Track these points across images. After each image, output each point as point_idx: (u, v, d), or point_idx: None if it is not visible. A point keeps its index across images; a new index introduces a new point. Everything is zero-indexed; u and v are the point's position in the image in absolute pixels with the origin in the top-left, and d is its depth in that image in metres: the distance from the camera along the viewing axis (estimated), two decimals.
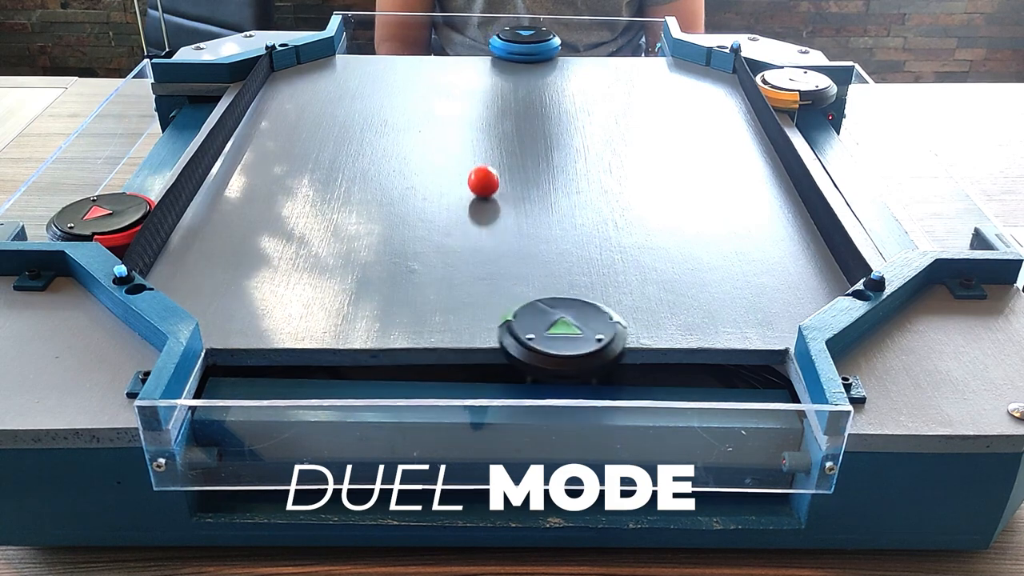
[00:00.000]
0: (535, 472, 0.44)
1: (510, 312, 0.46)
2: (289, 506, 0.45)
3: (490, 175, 0.62)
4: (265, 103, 0.76)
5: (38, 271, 0.50)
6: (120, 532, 0.45)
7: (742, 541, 0.45)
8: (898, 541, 0.46)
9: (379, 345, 0.47)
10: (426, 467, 0.43)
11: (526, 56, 0.86)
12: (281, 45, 0.82)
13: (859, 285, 0.48)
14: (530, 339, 0.44)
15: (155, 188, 0.64)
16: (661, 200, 0.62)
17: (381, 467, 0.43)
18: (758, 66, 0.79)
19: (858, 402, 0.42)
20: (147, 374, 0.42)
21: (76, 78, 1.10)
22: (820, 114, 0.78)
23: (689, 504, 0.45)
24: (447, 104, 0.77)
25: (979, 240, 0.55)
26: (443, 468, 0.43)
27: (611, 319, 0.46)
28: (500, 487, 0.43)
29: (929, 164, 0.89)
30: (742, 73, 0.80)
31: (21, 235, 0.55)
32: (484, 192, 0.62)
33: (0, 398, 0.42)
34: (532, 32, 0.88)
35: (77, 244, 0.51)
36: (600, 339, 0.44)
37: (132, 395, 0.42)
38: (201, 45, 0.83)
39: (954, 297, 0.50)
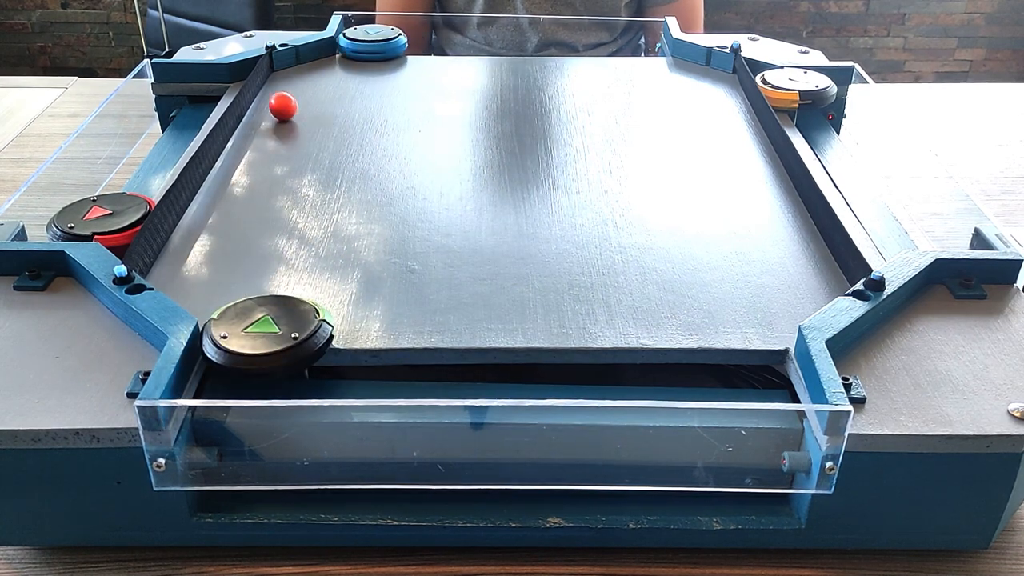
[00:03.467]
0: (535, 472, 0.44)
1: (218, 311, 0.46)
2: (289, 506, 0.45)
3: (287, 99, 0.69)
4: (265, 103, 0.76)
5: (38, 271, 0.50)
6: (120, 532, 0.45)
7: (742, 541, 0.45)
8: (898, 541, 0.46)
9: (379, 345, 0.47)
10: (426, 467, 0.43)
11: (372, 55, 0.86)
12: (281, 45, 0.83)
13: (859, 285, 0.48)
14: (224, 337, 0.44)
15: (155, 188, 0.64)
16: (661, 200, 0.62)
17: (381, 467, 0.43)
18: (758, 66, 0.79)
19: (858, 402, 0.42)
20: (147, 374, 0.42)
21: (76, 78, 1.10)
22: (820, 114, 0.78)
23: (689, 504, 0.46)
24: (447, 104, 0.77)
25: (979, 240, 0.55)
26: (443, 468, 0.43)
27: (315, 316, 0.46)
28: (500, 487, 0.44)
29: (929, 164, 0.89)
30: (742, 73, 0.80)
31: (21, 235, 0.55)
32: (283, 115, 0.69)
33: (0, 398, 0.42)
34: (379, 31, 0.88)
35: (77, 244, 0.51)
36: (296, 336, 0.44)
37: (132, 395, 0.42)
38: (201, 45, 0.83)
39: (954, 297, 0.50)
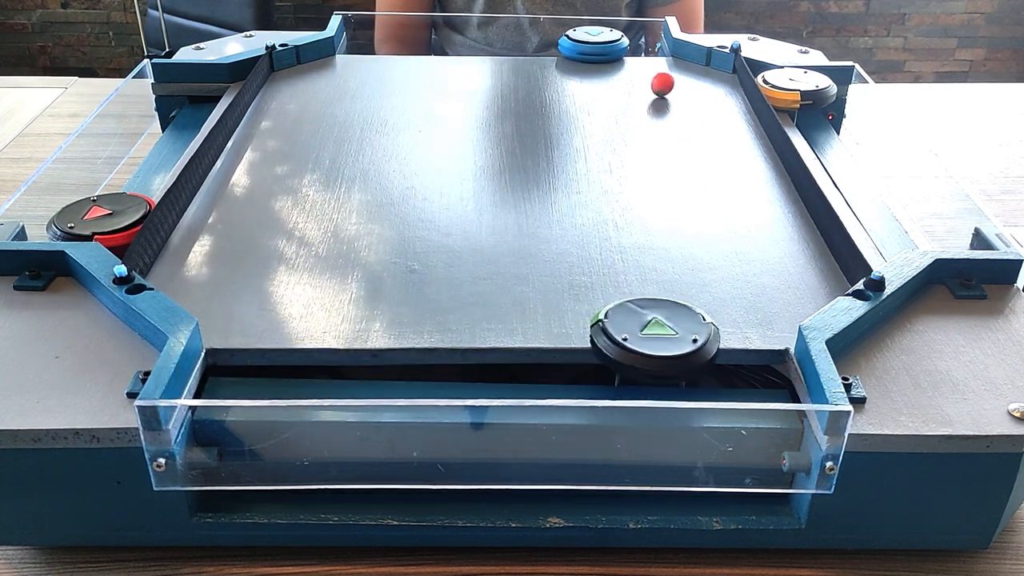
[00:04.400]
0: (535, 472, 0.44)
1: (601, 312, 0.46)
2: (289, 506, 0.45)
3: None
4: (265, 103, 0.76)
5: (38, 271, 0.50)
6: (120, 532, 0.45)
7: (742, 541, 0.45)
8: (898, 541, 0.46)
9: (379, 345, 0.47)
10: (426, 467, 0.43)
11: (595, 56, 0.86)
12: (281, 45, 0.83)
13: (859, 285, 0.48)
14: (625, 339, 0.44)
15: (155, 188, 0.64)
16: (661, 200, 0.62)
17: (381, 467, 0.43)
18: (758, 66, 0.79)
19: (858, 402, 0.42)
20: (147, 374, 0.42)
21: (76, 78, 1.10)
22: (820, 114, 0.78)
23: (689, 504, 0.46)
24: (447, 104, 0.77)
25: (979, 240, 0.55)
26: (443, 468, 0.43)
27: (704, 319, 0.46)
28: (500, 487, 0.44)
29: (929, 164, 0.89)
30: (742, 73, 0.80)
31: (21, 235, 0.55)
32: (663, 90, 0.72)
33: (0, 398, 0.42)
34: (600, 32, 0.88)
35: (77, 244, 0.51)
36: (696, 340, 0.44)
37: (132, 395, 0.42)
38: (201, 45, 0.83)
39: (954, 297, 0.50)
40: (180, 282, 0.52)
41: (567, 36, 0.88)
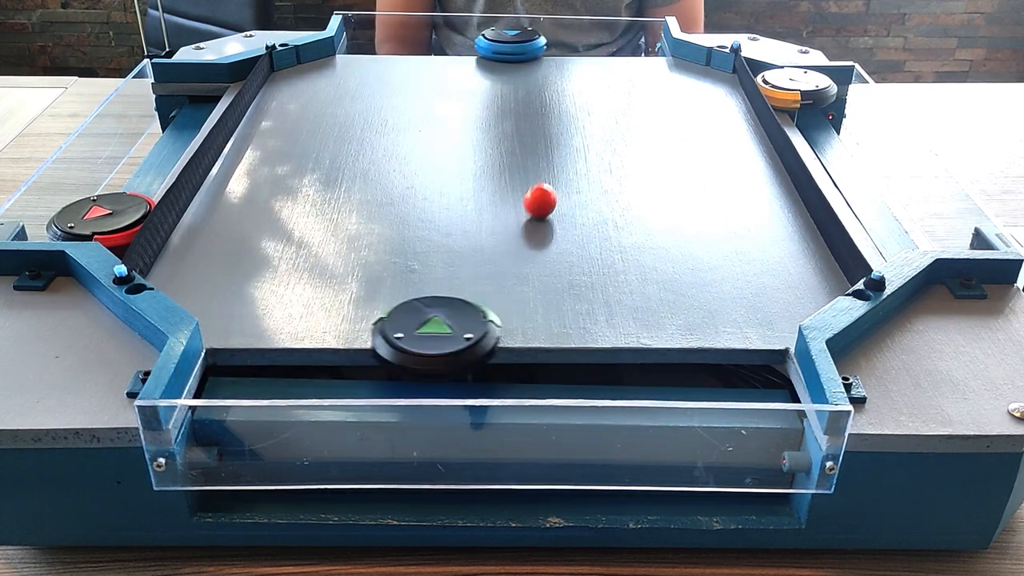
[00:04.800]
0: (535, 472, 0.44)
1: (387, 311, 0.46)
2: (289, 506, 0.45)
3: (546, 194, 0.59)
4: (265, 103, 0.76)
5: (38, 271, 0.50)
6: (120, 532, 0.45)
7: (742, 541, 0.45)
8: (898, 541, 0.46)
9: None
10: (426, 467, 0.43)
11: (512, 56, 0.86)
12: (281, 45, 0.82)
13: (859, 285, 0.48)
14: (399, 338, 0.44)
15: (155, 188, 0.64)
16: (661, 200, 0.62)
17: (381, 467, 0.43)
18: (758, 66, 0.79)
19: (858, 402, 0.42)
20: (147, 374, 0.42)
21: (76, 78, 1.10)
22: (820, 114, 0.78)
23: (689, 504, 0.46)
24: (447, 104, 0.77)
25: (979, 240, 0.55)
26: (443, 468, 0.43)
27: (484, 317, 0.46)
28: (500, 487, 0.44)
29: (929, 164, 0.89)
30: (742, 73, 0.80)
31: (21, 235, 0.55)
32: (540, 212, 0.59)
33: (0, 398, 0.42)
34: (518, 32, 0.88)
35: (77, 244, 0.51)
36: (469, 338, 0.44)
37: (132, 395, 0.42)
38: (201, 45, 0.83)
39: (954, 297, 0.50)
40: (180, 282, 0.52)
41: (483, 36, 0.87)
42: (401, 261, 0.54)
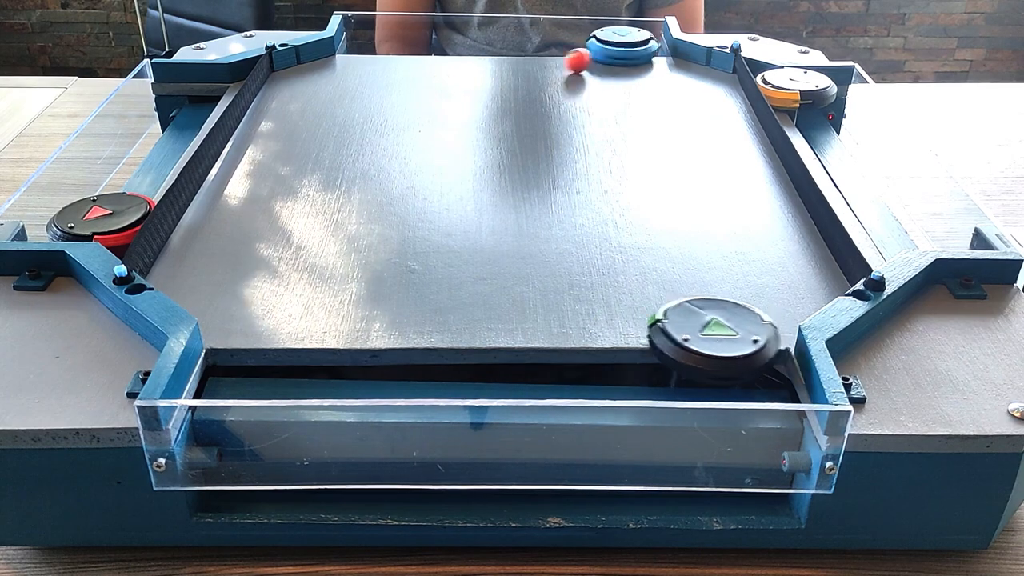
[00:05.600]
0: (535, 472, 0.44)
1: (659, 312, 0.46)
2: (289, 506, 0.45)
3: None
4: (265, 103, 0.76)
5: (38, 271, 0.50)
6: (120, 532, 0.45)
7: (742, 541, 0.45)
8: (898, 541, 0.46)
9: (379, 345, 0.47)
10: (426, 467, 0.43)
11: (624, 60, 0.86)
12: (281, 45, 0.82)
13: (859, 285, 0.48)
14: (686, 340, 0.44)
15: (155, 188, 0.64)
16: (661, 200, 0.62)
17: (381, 467, 0.43)
18: (758, 66, 0.79)
19: (858, 402, 0.42)
20: (147, 374, 0.42)
21: (76, 78, 1.10)
22: (820, 114, 0.78)
23: (689, 504, 0.46)
24: (447, 104, 0.77)
25: (979, 240, 0.55)
26: (443, 468, 0.43)
27: (762, 320, 0.45)
28: (500, 487, 0.44)
29: (929, 164, 0.89)
30: (742, 73, 0.80)
31: (21, 235, 0.55)
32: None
33: (0, 398, 0.42)
34: (628, 34, 0.87)
35: (77, 244, 0.51)
36: (756, 340, 0.44)
37: (132, 395, 0.42)
38: (201, 45, 0.83)
39: (954, 297, 0.50)
40: (180, 282, 0.52)
41: (596, 38, 0.87)
42: (401, 261, 0.54)
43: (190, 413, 0.42)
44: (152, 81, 0.79)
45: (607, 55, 0.86)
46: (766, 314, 0.46)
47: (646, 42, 0.86)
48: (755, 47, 0.85)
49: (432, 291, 0.51)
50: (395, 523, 0.45)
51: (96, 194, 0.58)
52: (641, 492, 0.45)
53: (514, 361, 0.47)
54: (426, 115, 0.75)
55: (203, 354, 0.45)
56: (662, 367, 0.48)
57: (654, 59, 0.89)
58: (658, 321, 0.45)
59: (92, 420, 0.41)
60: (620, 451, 0.43)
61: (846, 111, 0.80)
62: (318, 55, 0.85)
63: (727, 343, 0.44)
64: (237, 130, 0.71)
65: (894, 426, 0.41)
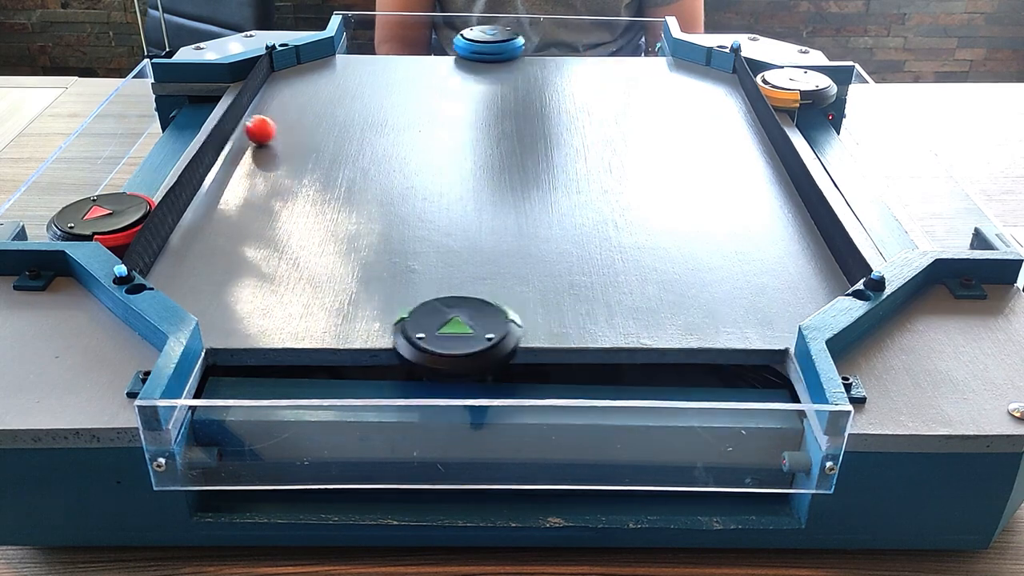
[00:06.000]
0: (535, 472, 0.44)
1: (405, 311, 0.46)
2: (289, 506, 0.45)
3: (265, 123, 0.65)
4: (265, 103, 0.76)
5: (38, 271, 0.50)
6: (120, 532, 0.45)
7: (742, 541, 0.45)
8: (898, 541, 0.46)
9: (379, 345, 0.47)
10: (426, 467, 0.43)
11: (489, 56, 0.86)
12: (281, 45, 0.82)
13: (859, 285, 0.48)
14: (421, 338, 0.44)
15: (155, 188, 0.64)
16: (661, 200, 0.62)
17: (381, 467, 0.43)
18: (758, 66, 0.79)
19: (858, 402, 0.42)
20: (147, 374, 0.42)
21: (76, 78, 1.10)
22: (820, 114, 0.78)
23: (689, 504, 0.46)
24: (447, 104, 0.77)
25: (979, 240, 0.55)
26: (443, 468, 0.43)
27: (507, 318, 0.46)
28: (500, 487, 0.44)
29: (929, 164, 0.89)
30: (742, 73, 0.80)
31: (21, 235, 0.55)
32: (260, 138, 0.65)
33: (0, 398, 0.42)
34: (495, 32, 0.88)
35: (77, 244, 0.51)
36: (490, 338, 0.44)
37: (132, 395, 0.42)
38: (201, 45, 0.83)
39: (954, 297, 0.50)
40: (180, 282, 0.52)
41: (462, 36, 0.87)
42: (401, 261, 0.54)
43: (190, 413, 0.42)
44: (152, 81, 0.79)
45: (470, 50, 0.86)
46: (515, 313, 0.46)
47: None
48: (755, 47, 0.85)
49: (432, 291, 0.51)
50: (395, 523, 0.45)
51: (96, 194, 0.58)
52: (641, 492, 0.45)
53: (515, 361, 0.47)
54: (426, 115, 0.75)
55: (203, 354, 0.45)
56: (675, 367, 0.48)
57: (654, 59, 0.89)
58: (402, 319, 0.45)
59: (92, 420, 0.41)
60: (620, 451, 0.43)
61: (846, 111, 0.80)
62: (318, 55, 0.85)
63: (460, 341, 0.44)
64: (237, 130, 0.71)
65: (894, 426, 0.41)
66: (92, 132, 0.87)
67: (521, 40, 0.87)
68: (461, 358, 0.43)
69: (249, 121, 0.64)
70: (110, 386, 0.43)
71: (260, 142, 0.65)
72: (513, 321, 0.45)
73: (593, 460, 0.44)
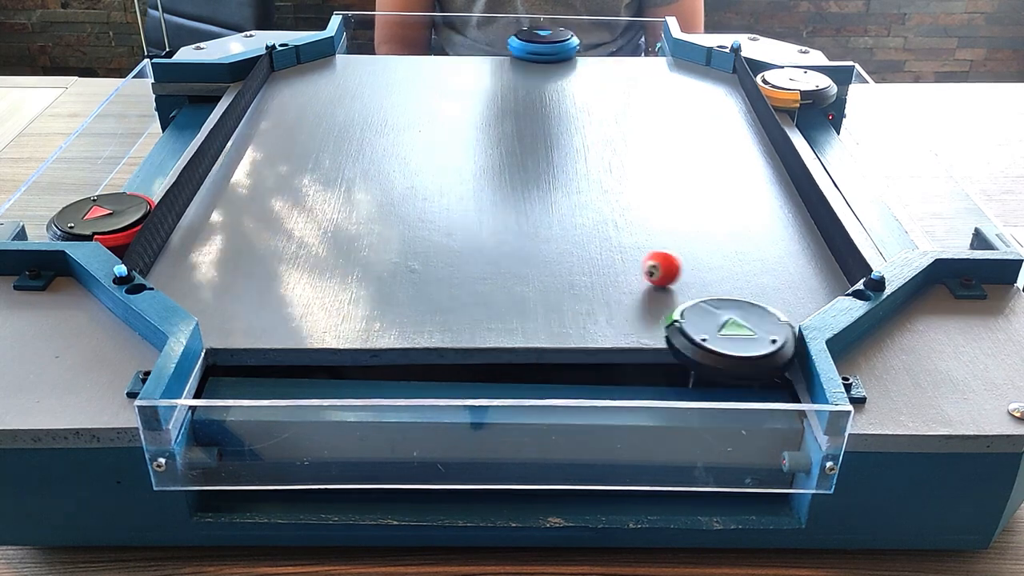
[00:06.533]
0: (535, 472, 0.44)
1: (676, 312, 0.46)
2: (289, 506, 0.45)
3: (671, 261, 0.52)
4: (265, 103, 0.76)
5: (38, 271, 0.50)
6: (120, 532, 0.45)
7: (742, 541, 0.45)
8: (898, 541, 0.46)
9: (379, 345, 0.47)
10: (426, 467, 0.43)
11: (545, 56, 0.86)
12: (281, 45, 0.83)
13: (859, 285, 0.48)
14: (704, 340, 0.44)
15: (155, 188, 0.64)
16: (661, 200, 0.62)
17: (381, 467, 0.43)
18: (758, 66, 0.79)
19: (858, 402, 0.42)
20: (147, 374, 0.42)
21: (76, 78, 1.10)
22: (820, 114, 0.78)
23: (689, 504, 0.46)
24: (447, 104, 0.77)
25: (979, 240, 0.55)
26: (443, 468, 0.43)
27: (779, 320, 0.45)
28: (500, 487, 0.44)
29: (929, 164, 0.89)
30: (742, 73, 0.80)
31: (21, 235, 0.55)
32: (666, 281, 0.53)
33: (0, 398, 0.42)
34: (550, 32, 0.88)
35: (77, 244, 0.51)
36: (775, 340, 0.44)
37: (132, 395, 0.42)
38: (201, 45, 0.83)
39: (954, 297, 0.50)
40: (180, 282, 0.52)
41: (516, 37, 0.87)
42: (401, 261, 0.54)
43: (190, 413, 0.42)
44: (152, 81, 0.79)
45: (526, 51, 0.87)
46: (782, 314, 0.46)
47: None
48: (755, 47, 0.85)
49: (432, 291, 0.51)
50: (395, 523, 0.45)
51: (96, 194, 0.58)
52: (641, 492, 0.45)
53: (514, 361, 0.47)
54: (426, 115, 0.75)
55: (203, 354, 0.45)
56: (674, 367, 0.48)
57: (654, 59, 0.89)
58: (675, 321, 0.45)
59: (92, 420, 0.41)
60: (620, 451, 0.43)
61: (846, 111, 0.80)
62: (318, 55, 0.85)
63: (746, 343, 0.44)
64: (237, 130, 0.71)
65: (894, 426, 0.41)
66: (92, 132, 0.87)
67: (576, 40, 0.88)
68: (751, 360, 0.43)
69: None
70: (110, 386, 0.43)
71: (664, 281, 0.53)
72: (787, 323, 0.45)
73: (593, 460, 0.44)
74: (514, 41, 0.87)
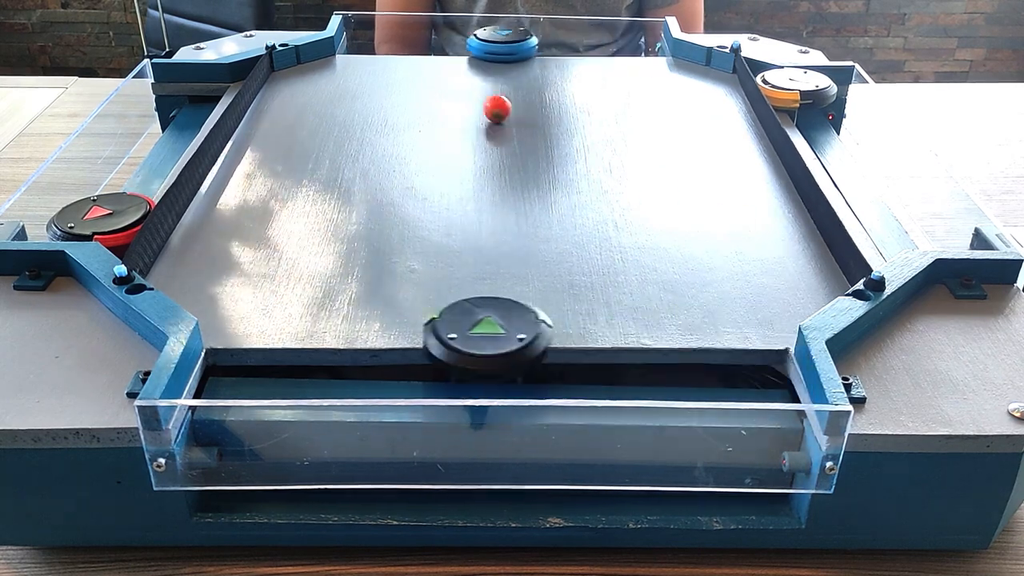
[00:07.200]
0: (535, 472, 0.44)
1: (436, 311, 0.46)
2: (289, 506, 0.45)
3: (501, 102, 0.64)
4: (265, 103, 0.76)
5: (38, 271, 0.50)
6: (120, 532, 0.45)
7: (742, 541, 0.45)
8: (898, 541, 0.46)
9: (379, 345, 0.47)
10: (426, 467, 0.43)
11: (502, 56, 0.86)
12: (281, 45, 0.83)
13: (859, 285, 0.48)
14: (452, 339, 0.44)
15: (155, 188, 0.64)
16: (661, 200, 0.62)
17: (381, 467, 0.43)
18: (758, 66, 0.79)
19: (858, 402, 0.42)
20: (147, 374, 0.42)
21: (76, 78, 1.10)
22: (820, 114, 0.78)
23: (689, 504, 0.46)
24: (447, 104, 0.77)
25: (979, 240, 0.55)
26: (443, 468, 0.43)
27: (536, 318, 0.46)
28: (500, 487, 0.44)
29: (929, 164, 0.89)
30: (742, 73, 0.80)
31: (21, 235, 0.55)
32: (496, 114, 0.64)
33: (0, 398, 0.42)
34: (510, 32, 0.88)
35: (77, 244, 0.51)
36: (522, 338, 0.44)
37: (132, 395, 0.42)
38: (201, 45, 0.83)
39: (954, 297, 0.50)
40: (180, 282, 0.52)
41: (475, 36, 0.87)
42: (401, 261, 0.54)
43: (190, 413, 0.42)
44: (152, 81, 0.79)
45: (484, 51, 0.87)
46: (544, 313, 0.46)
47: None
48: (755, 47, 0.85)
49: (432, 291, 0.51)
50: (395, 523, 0.45)
51: (96, 194, 0.58)
52: (641, 492, 0.45)
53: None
54: (426, 115, 0.75)
55: (203, 354, 0.45)
56: (675, 367, 0.48)
57: (654, 59, 0.89)
58: (432, 320, 0.45)
59: (92, 420, 0.41)
60: (620, 451, 0.43)
61: (846, 111, 0.80)
62: (318, 55, 0.85)
63: (492, 341, 0.44)
64: (237, 130, 0.71)
65: (894, 426, 0.41)
66: (92, 132, 0.87)
67: (534, 40, 0.88)
68: (493, 358, 0.43)
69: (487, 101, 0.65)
70: (110, 386, 0.43)
71: (498, 119, 0.65)
72: (544, 321, 0.45)
73: (593, 460, 0.44)
74: (473, 41, 0.87)
